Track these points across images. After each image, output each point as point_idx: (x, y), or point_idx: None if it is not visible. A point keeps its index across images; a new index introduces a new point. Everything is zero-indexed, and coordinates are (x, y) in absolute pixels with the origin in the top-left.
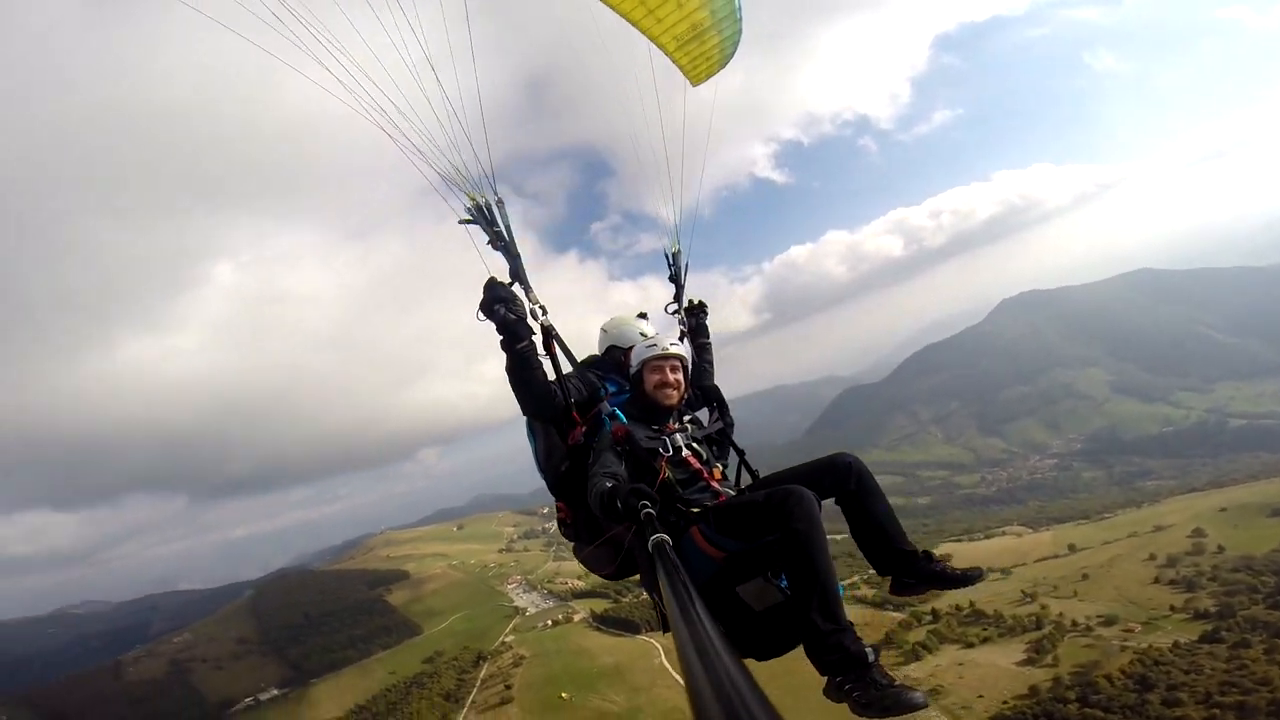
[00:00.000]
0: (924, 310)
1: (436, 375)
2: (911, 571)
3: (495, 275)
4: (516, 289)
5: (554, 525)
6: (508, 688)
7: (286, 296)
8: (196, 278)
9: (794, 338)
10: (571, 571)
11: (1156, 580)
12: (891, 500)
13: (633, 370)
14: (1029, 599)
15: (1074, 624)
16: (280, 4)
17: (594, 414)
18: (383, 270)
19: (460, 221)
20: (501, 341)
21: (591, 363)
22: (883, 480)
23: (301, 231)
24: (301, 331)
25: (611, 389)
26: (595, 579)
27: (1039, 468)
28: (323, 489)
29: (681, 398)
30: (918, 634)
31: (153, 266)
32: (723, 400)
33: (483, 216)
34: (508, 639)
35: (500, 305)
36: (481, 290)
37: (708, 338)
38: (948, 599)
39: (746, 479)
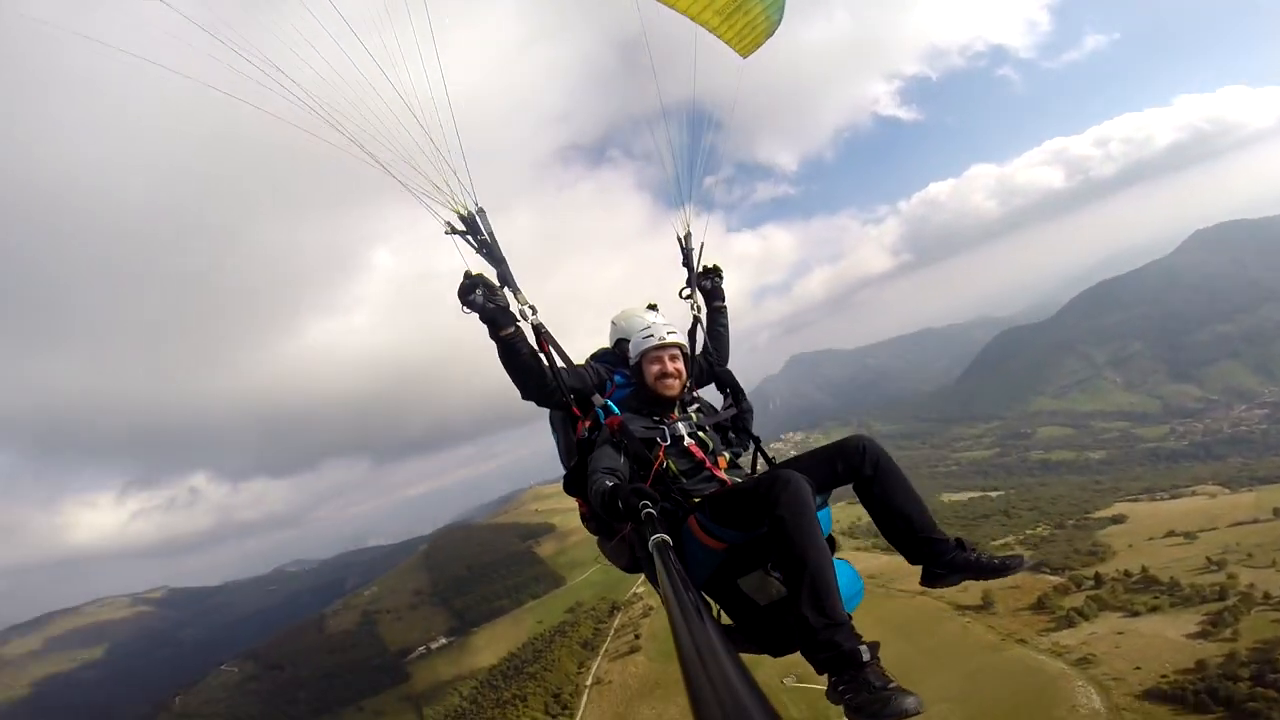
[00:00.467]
0: (1096, 244)
1: (576, 335)
2: (942, 561)
3: (472, 270)
4: (506, 292)
5: None
6: (636, 637)
7: (437, 273)
8: (361, 264)
9: (940, 278)
10: None
11: None
12: (1060, 455)
13: (632, 361)
14: (1215, 567)
15: (1266, 596)
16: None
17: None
18: (516, 241)
19: (447, 233)
20: (487, 331)
21: (601, 355)
22: (1049, 433)
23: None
24: (453, 303)
25: (619, 380)
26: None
27: (1244, 419)
28: (483, 447)
29: (684, 386)
30: (1075, 599)
31: (325, 258)
32: (736, 385)
33: (469, 226)
34: (639, 590)
35: (477, 294)
36: (460, 280)
37: (723, 301)
38: (1115, 563)
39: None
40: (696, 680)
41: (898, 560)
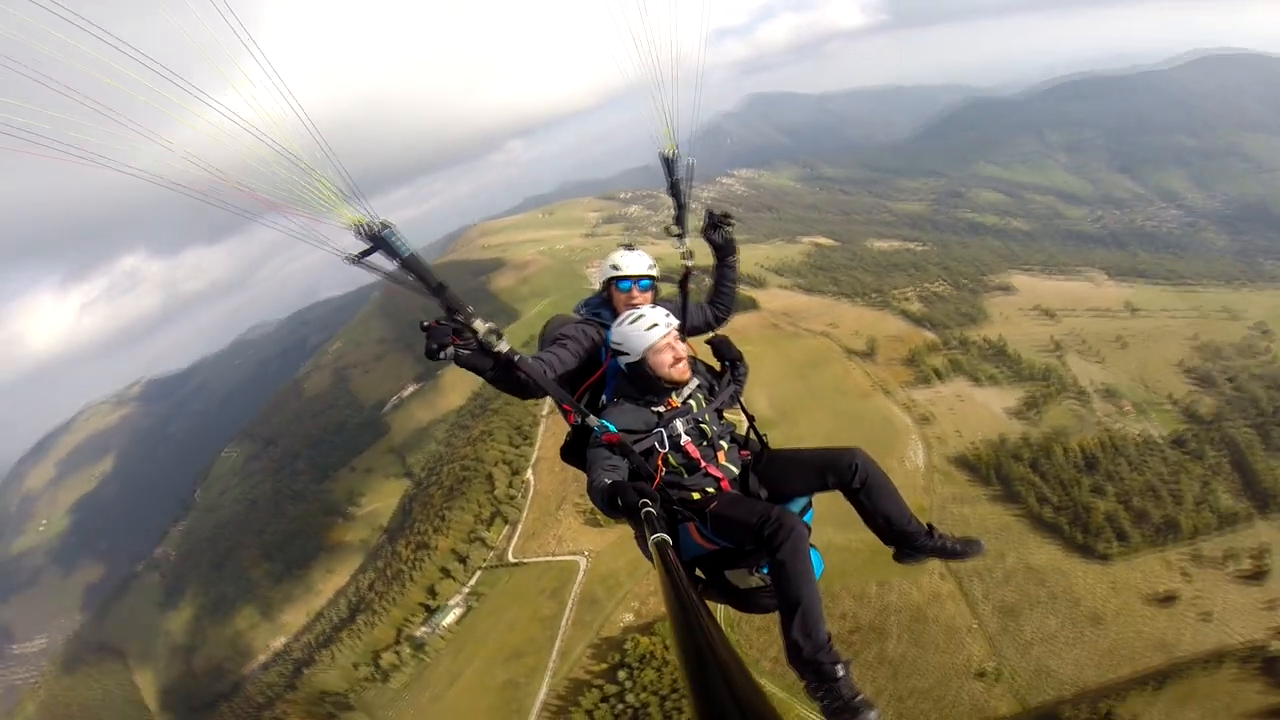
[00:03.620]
0: (1095, 43)
1: (508, 71)
2: (911, 545)
3: (424, 319)
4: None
5: (633, 209)
6: None
7: (330, 33)
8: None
9: (918, 40)
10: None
11: (1180, 364)
12: (988, 219)
13: (628, 360)
14: (1056, 350)
15: (1078, 388)
16: None
17: (598, 377)
18: None
19: (353, 261)
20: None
21: (592, 301)
22: (985, 197)
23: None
24: (362, 57)
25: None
26: (665, 264)
27: (1163, 217)
28: (419, 187)
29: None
30: (938, 359)
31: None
32: (735, 356)
33: (378, 243)
34: None
35: (443, 351)
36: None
37: (735, 254)
38: (984, 329)
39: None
40: (698, 681)
41: (814, 300)
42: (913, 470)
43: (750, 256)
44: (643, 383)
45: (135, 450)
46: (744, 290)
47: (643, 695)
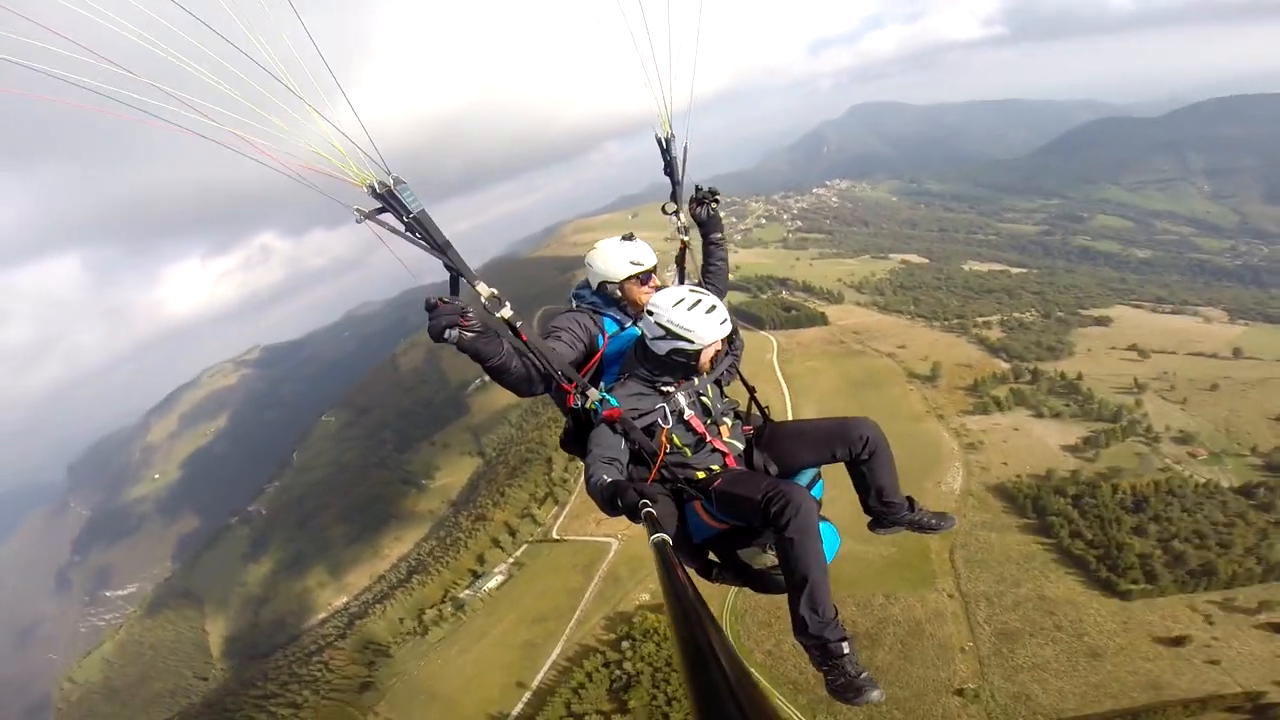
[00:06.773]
0: (1246, 58)
1: (604, 74)
2: (894, 519)
3: (431, 296)
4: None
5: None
6: None
7: (455, 20)
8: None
9: (1043, 54)
10: None
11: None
12: (1105, 246)
13: (688, 347)
14: (1135, 390)
15: (1147, 430)
16: None
17: (594, 364)
18: None
19: (362, 218)
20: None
21: (582, 293)
22: (1105, 222)
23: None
24: (476, 50)
25: (611, 329)
26: (743, 273)
27: None
28: (523, 182)
29: None
30: (1003, 390)
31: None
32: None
33: (391, 202)
34: None
35: (451, 330)
36: (426, 313)
37: (720, 231)
38: (1063, 364)
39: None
40: (698, 680)
41: (888, 320)
42: (947, 493)
43: (833, 271)
44: (666, 366)
45: (247, 411)
46: (815, 305)
47: (639, 664)
